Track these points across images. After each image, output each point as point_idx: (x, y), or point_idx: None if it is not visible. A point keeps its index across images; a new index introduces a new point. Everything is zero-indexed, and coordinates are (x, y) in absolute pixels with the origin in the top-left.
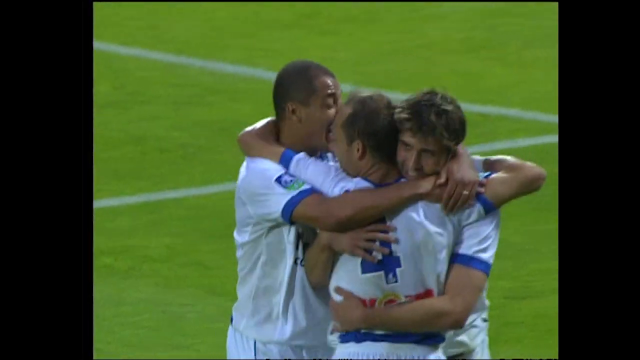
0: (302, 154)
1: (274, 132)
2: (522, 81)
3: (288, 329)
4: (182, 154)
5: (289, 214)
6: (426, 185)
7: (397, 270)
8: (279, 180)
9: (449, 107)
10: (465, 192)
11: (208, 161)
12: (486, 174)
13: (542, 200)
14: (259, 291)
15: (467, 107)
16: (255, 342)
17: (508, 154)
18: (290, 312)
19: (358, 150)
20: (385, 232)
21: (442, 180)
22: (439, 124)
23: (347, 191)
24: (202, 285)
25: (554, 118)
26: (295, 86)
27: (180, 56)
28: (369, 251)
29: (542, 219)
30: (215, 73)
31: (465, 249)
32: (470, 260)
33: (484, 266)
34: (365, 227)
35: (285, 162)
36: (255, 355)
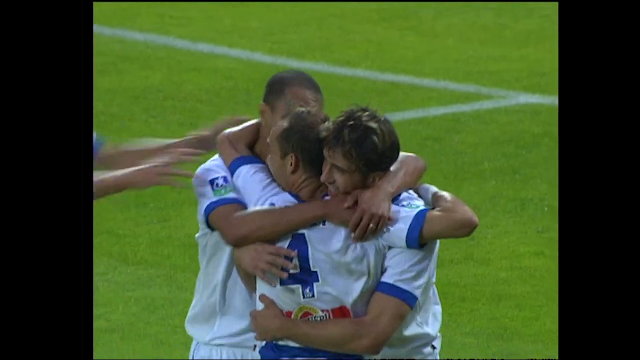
0: (248, 165)
1: (251, 135)
2: (435, 50)
3: (215, 327)
4: (94, 122)
5: (206, 219)
6: (331, 207)
7: (315, 284)
8: (212, 182)
9: (370, 127)
10: (372, 225)
11: (120, 129)
12: (425, 208)
13: (453, 170)
14: (201, 289)
15: (380, 75)
16: (197, 343)
17: (420, 122)
18: (220, 312)
19: (291, 164)
20: (289, 257)
21: (348, 203)
22: (349, 141)
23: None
24: (113, 253)
25: (466, 87)
26: (273, 88)
27: None
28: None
29: (450, 187)
30: (126, 41)
31: (387, 277)
32: (390, 289)
33: (405, 295)
34: (268, 249)
35: (233, 167)
36: (192, 355)
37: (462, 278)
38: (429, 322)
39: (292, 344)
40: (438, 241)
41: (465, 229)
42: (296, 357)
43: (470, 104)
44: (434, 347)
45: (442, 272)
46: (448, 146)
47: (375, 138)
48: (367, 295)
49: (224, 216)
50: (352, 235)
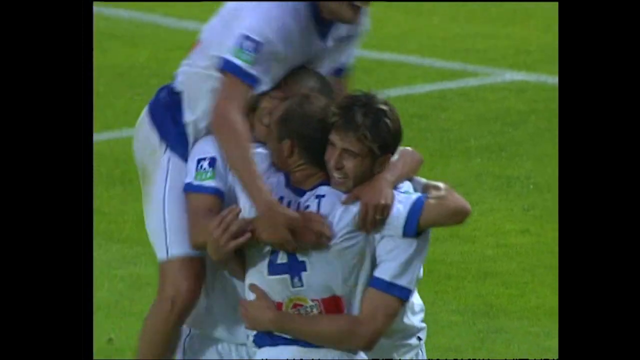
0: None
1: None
2: (421, 28)
3: (205, 321)
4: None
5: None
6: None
7: (303, 274)
8: (199, 161)
9: (382, 110)
10: (378, 217)
11: (105, 106)
12: (422, 195)
13: (439, 148)
14: None
15: (365, 53)
16: (189, 333)
17: (406, 100)
18: (206, 302)
19: (287, 148)
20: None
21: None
22: (363, 124)
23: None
24: (99, 231)
25: (452, 64)
26: None
27: None
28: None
29: (436, 165)
30: (111, 19)
31: (382, 273)
32: (387, 287)
33: (402, 292)
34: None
35: None
36: (184, 344)
37: (448, 255)
38: (413, 314)
39: (286, 334)
40: (430, 233)
41: (459, 216)
42: (291, 346)
43: (456, 81)
44: (419, 339)
45: (428, 250)
46: (434, 124)
47: (388, 120)
48: (358, 285)
49: (194, 211)
50: (360, 227)
